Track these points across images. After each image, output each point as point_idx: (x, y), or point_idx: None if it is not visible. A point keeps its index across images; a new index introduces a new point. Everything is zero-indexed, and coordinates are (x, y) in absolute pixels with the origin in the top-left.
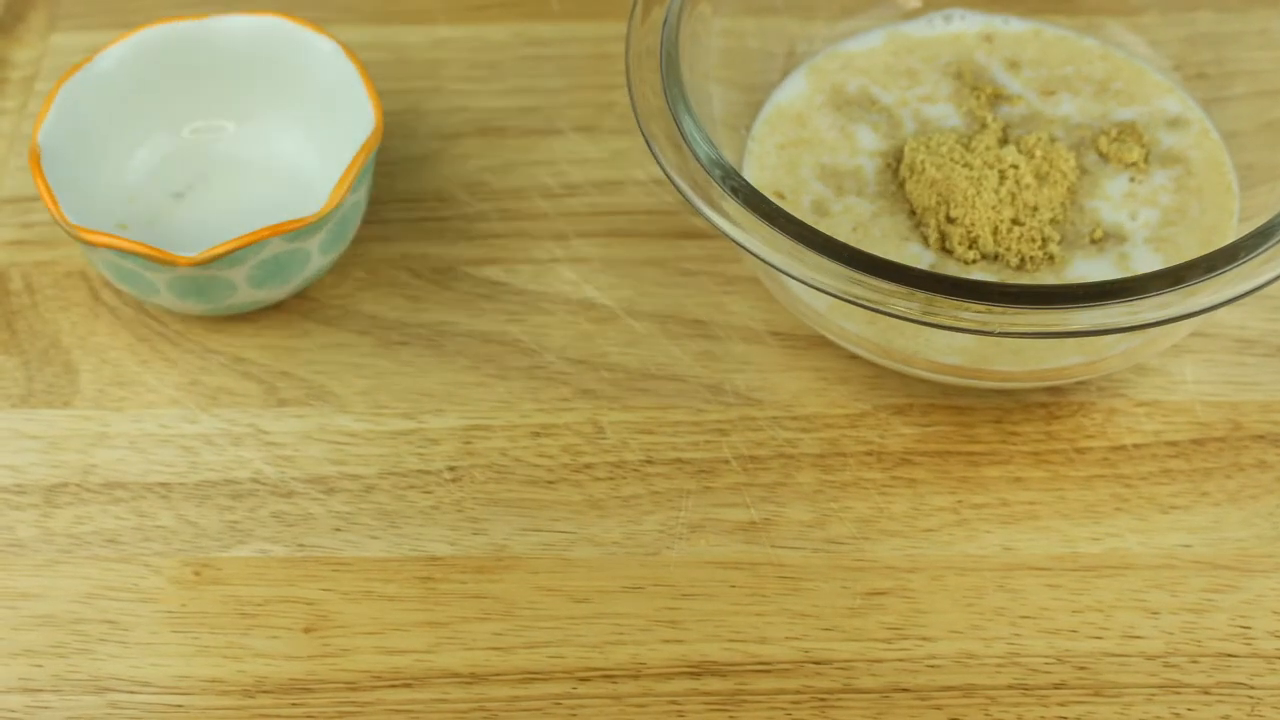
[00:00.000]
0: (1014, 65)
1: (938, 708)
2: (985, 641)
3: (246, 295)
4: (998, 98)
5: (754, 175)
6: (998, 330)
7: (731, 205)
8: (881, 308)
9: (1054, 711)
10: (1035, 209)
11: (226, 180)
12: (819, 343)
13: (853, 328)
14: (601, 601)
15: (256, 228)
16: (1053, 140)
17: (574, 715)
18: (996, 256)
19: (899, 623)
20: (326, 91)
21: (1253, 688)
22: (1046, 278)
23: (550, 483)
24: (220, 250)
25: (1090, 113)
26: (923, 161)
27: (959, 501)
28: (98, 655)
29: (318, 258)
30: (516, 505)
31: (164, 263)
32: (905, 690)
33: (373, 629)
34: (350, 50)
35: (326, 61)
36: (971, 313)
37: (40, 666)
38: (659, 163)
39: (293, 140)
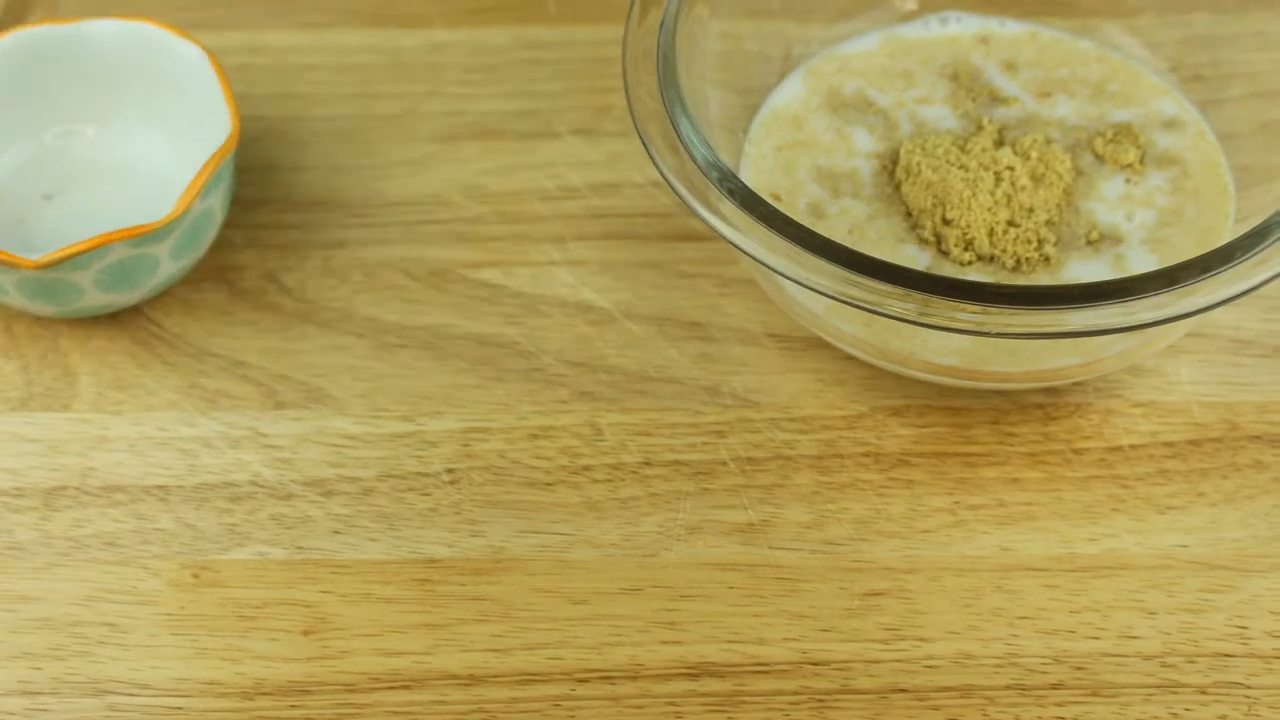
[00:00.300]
0: (1010, 67)
1: (935, 708)
2: (983, 642)
3: (95, 299)
4: (993, 100)
5: (751, 177)
6: (994, 331)
7: (728, 207)
8: (878, 309)
9: (1051, 712)
10: (1031, 211)
11: (94, 184)
12: (816, 344)
13: (849, 329)
14: (599, 603)
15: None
16: (1048, 142)
17: (572, 717)
18: (992, 258)
19: (897, 623)
20: (191, 98)
21: (1249, 688)
22: (1042, 279)
23: (548, 485)
24: (64, 254)
25: (1086, 114)
26: (919, 163)
27: (956, 502)
28: (97, 658)
29: (168, 263)
30: (514, 507)
31: (9, 265)
32: (903, 691)
33: (371, 631)
34: (214, 57)
35: (190, 68)
36: (967, 314)
37: (39, 669)
38: (656, 165)
39: (157, 145)
